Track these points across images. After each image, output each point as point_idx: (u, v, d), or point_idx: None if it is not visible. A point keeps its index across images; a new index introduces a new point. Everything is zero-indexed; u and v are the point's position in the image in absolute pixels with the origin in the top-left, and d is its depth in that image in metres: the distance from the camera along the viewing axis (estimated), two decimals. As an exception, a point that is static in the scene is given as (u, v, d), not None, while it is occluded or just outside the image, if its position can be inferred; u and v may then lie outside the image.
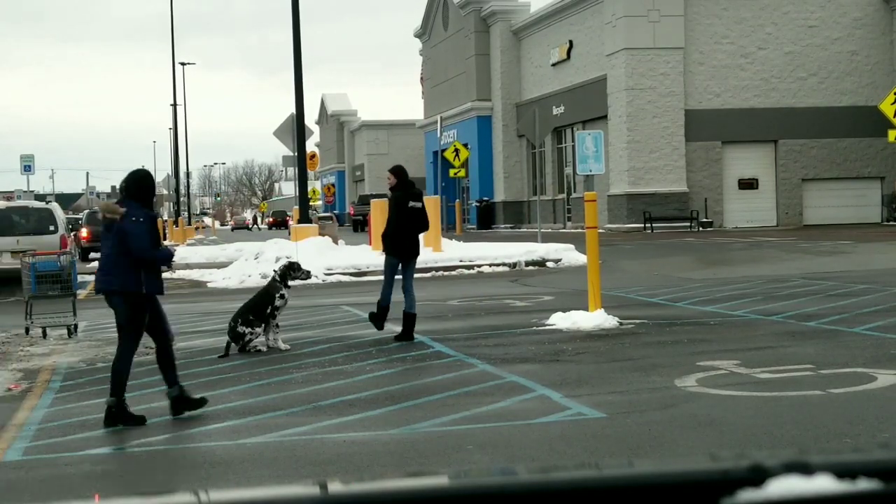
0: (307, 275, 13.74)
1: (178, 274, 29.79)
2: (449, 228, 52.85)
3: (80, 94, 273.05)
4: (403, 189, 13.42)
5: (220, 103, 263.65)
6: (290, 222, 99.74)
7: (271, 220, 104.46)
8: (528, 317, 15.28)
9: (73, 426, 8.71)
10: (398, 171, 13.66)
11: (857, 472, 1.40)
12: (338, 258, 27.16)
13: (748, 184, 48.69)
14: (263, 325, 12.76)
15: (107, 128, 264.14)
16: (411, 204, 13.32)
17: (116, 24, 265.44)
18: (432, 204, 31.02)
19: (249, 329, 12.65)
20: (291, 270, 13.28)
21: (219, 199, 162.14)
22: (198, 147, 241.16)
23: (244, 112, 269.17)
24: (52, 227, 23.82)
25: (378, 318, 13.52)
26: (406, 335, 13.13)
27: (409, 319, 13.22)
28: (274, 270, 13.57)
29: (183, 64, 73.43)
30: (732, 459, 1.47)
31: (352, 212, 76.02)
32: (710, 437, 7.45)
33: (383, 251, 13.75)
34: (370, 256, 28.09)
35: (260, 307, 12.81)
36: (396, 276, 13.60)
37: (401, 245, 13.33)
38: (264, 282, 15.44)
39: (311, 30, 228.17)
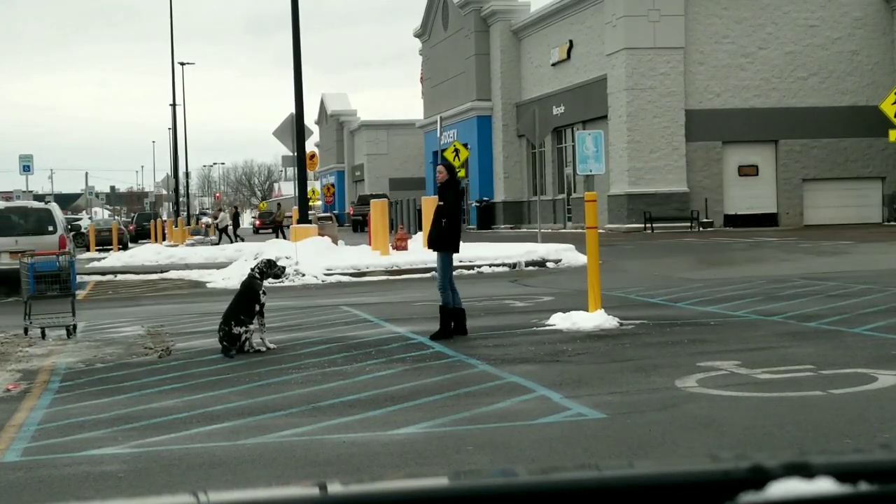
0: (282, 271, 13.91)
1: (178, 274, 29.80)
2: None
3: (79, 94, 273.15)
4: (457, 186, 13.68)
5: (220, 103, 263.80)
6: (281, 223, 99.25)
7: (258, 221, 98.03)
8: (528, 317, 15.26)
9: (72, 427, 8.70)
10: (450, 168, 13.85)
11: (859, 474, 1.39)
12: (337, 258, 27.15)
13: (748, 171, 48.67)
14: (254, 323, 12.78)
15: (106, 128, 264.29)
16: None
17: (117, 24, 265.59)
18: (432, 204, 31.06)
19: (244, 329, 12.64)
20: (269, 267, 13.41)
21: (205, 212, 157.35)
22: (197, 147, 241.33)
23: (244, 112, 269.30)
24: (50, 228, 23.79)
25: (460, 326, 13.38)
26: (457, 330, 13.28)
27: (459, 315, 13.37)
28: (251, 269, 13.55)
29: (182, 64, 73.38)
30: (733, 461, 1.46)
31: (351, 212, 76.07)
32: (711, 438, 7.44)
33: (442, 250, 13.47)
34: (370, 257, 28.10)
35: (247, 306, 12.79)
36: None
37: (457, 240, 13.52)
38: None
39: (311, 34, 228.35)
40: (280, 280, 22.96)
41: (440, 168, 13.86)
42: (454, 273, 14.01)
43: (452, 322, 13.39)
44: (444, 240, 13.46)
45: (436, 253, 13.64)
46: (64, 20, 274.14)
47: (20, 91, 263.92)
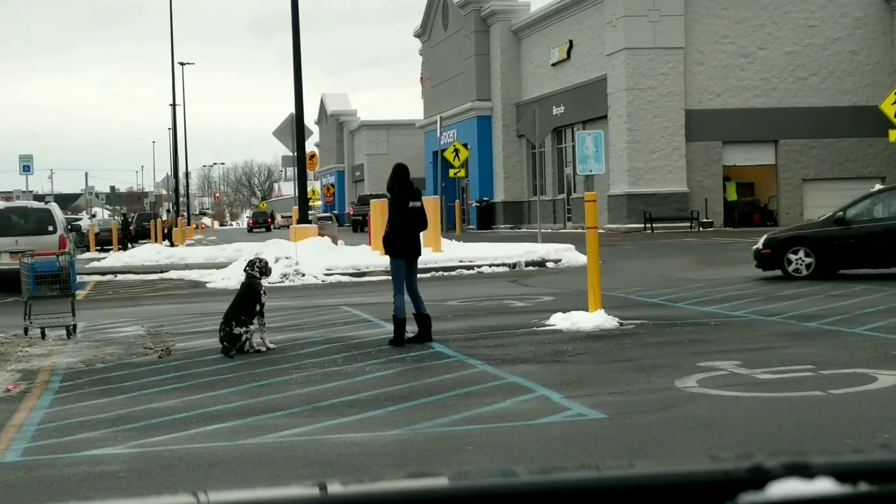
0: (269, 271, 13.78)
1: (178, 274, 29.80)
2: (449, 229, 52.84)
3: (80, 94, 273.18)
4: (403, 189, 13.15)
5: (221, 103, 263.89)
6: (273, 224, 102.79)
7: (251, 221, 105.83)
8: (527, 317, 15.26)
9: (71, 427, 8.70)
10: (396, 170, 13.37)
11: (859, 474, 1.39)
12: (337, 258, 27.14)
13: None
14: (254, 323, 12.77)
15: (106, 128, 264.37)
16: (411, 204, 13.04)
17: (119, 24, 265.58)
18: (432, 204, 31.06)
19: (245, 329, 12.65)
20: (266, 267, 13.41)
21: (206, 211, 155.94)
22: (197, 147, 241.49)
23: (244, 111, 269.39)
24: (50, 228, 23.79)
25: (399, 336, 12.80)
26: (424, 336, 12.84)
27: (424, 320, 12.93)
28: (246, 269, 13.47)
29: (182, 64, 73.37)
30: (733, 461, 1.46)
31: (351, 212, 76.14)
32: (711, 438, 7.44)
33: (386, 254, 13.29)
34: (370, 257, 28.09)
35: (247, 306, 12.78)
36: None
37: (404, 245, 13.02)
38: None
39: (315, 35, 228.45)
40: (282, 280, 22.99)
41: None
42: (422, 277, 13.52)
43: (409, 328, 12.95)
44: (385, 243, 13.22)
45: (407, 257, 13.17)
46: (66, 20, 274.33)
47: (21, 91, 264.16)
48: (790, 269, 19.60)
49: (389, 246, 13.12)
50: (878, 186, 22.72)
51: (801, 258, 19.58)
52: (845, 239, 19.36)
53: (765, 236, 20.44)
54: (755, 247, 20.26)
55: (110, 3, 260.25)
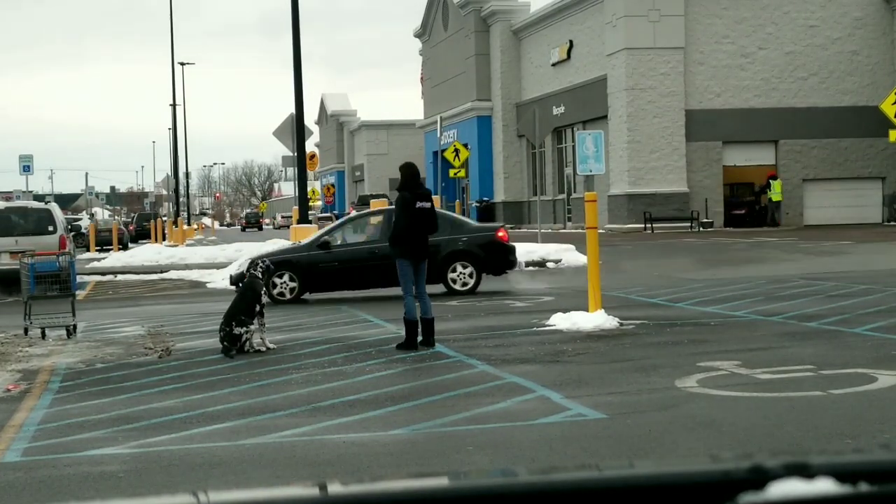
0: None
1: (178, 274, 29.78)
2: (449, 229, 52.76)
3: (81, 94, 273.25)
4: (410, 189, 12.79)
5: (223, 103, 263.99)
6: (265, 224, 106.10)
7: (244, 221, 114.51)
8: (528, 317, 15.26)
9: (71, 427, 8.69)
10: (403, 169, 13.02)
11: (859, 474, 1.39)
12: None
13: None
14: (254, 323, 12.76)
15: (106, 128, 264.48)
16: (419, 204, 12.68)
17: (121, 24, 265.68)
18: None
19: (245, 329, 12.64)
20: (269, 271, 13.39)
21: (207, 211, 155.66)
22: (197, 147, 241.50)
23: (246, 111, 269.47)
24: (50, 228, 23.78)
25: (411, 340, 12.52)
26: (425, 341, 12.54)
27: (426, 324, 12.62)
28: (251, 270, 13.46)
29: (182, 64, 73.34)
30: (733, 461, 1.46)
31: (351, 212, 76.20)
32: (711, 438, 7.44)
33: (392, 255, 12.90)
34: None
35: (248, 306, 12.77)
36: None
37: (411, 247, 12.65)
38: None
39: (312, 34, 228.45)
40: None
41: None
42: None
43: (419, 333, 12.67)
44: (392, 244, 12.95)
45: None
46: (67, 20, 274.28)
47: (21, 90, 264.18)
48: (274, 292, 19.68)
49: (396, 247, 12.75)
50: (353, 212, 23.41)
51: (285, 282, 19.88)
52: (330, 262, 19.98)
53: (248, 259, 20.11)
54: (236, 272, 20.26)
55: (116, 4, 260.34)
